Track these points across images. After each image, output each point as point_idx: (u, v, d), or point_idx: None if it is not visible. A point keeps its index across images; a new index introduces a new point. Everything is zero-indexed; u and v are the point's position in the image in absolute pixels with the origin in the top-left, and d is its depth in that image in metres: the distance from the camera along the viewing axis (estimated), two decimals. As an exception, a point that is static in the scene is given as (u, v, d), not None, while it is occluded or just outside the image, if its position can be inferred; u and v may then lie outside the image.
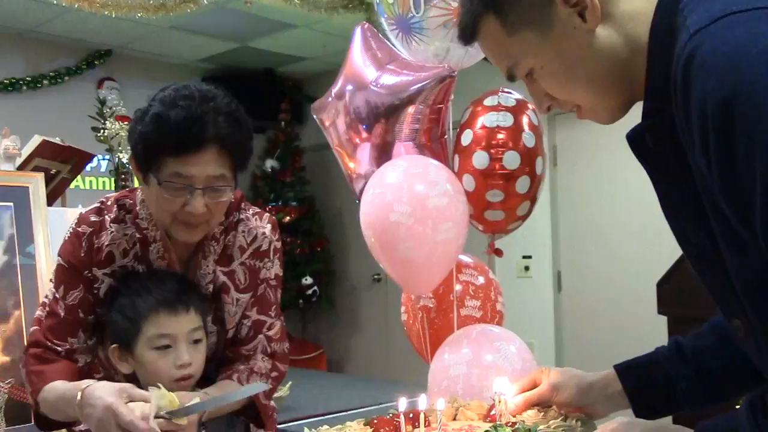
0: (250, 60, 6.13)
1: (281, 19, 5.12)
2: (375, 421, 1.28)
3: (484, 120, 2.33)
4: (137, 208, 1.52)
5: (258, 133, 6.65)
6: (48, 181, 2.87)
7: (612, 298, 4.80)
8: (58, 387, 1.42)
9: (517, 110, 2.36)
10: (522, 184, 2.35)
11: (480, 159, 2.30)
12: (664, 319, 3.47)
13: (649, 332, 4.25)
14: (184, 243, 1.51)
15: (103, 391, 1.29)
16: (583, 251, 5.02)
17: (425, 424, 1.22)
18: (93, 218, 1.52)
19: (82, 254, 1.49)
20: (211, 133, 1.36)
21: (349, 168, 2.45)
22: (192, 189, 1.38)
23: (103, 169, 5.39)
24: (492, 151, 2.31)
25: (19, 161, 2.84)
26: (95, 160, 4.43)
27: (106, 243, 1.50)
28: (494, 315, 2.41)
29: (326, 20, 4.98)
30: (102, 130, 3.28)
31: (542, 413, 1.27)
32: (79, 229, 1.51)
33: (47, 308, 1.51)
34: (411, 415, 1.24)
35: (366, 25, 2.52)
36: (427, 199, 2.09)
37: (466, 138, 2.34)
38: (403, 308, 2.47)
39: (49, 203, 2.85)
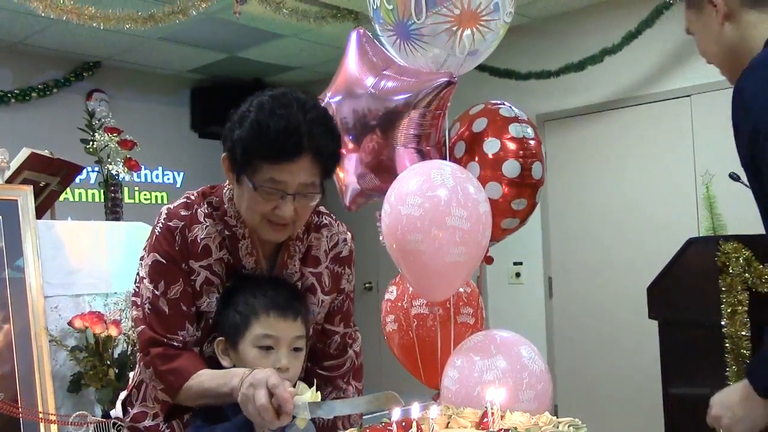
0: (239, 70, 6.13)
1: (270, 29, 5.13)
2: (367, 429, 1.28)
3: (511, 130, 2.34)
4: (225, 206, 1.56)
5: (248, 143, 6.65)
6: (37, 193, 2.86)
7: (603, 303, 4.81)
8: (208, 374, 1.46)
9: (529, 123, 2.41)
10: (539, 194, 2.38)
11: (511, 168, 2.30)
12: (654, 323, 3.48)
13: (640, 336, 4.26)
14: (269, 241, 1.57)
15: (268, 370, 1.38)
16: (574, 257, 5.03)
17: (418, 432, 1.22)
18: (183, 212, 1.55)
19: (177, 248, 1.52)
20: (308, 144, 1.42)
21: (339, 178, 2.44)
22: (284, 194, 1.44)
23: (92, 181, 5.37)
24: (522, 160, 2.31)
25: (7, 174, 2.82)
26: (84, 172, 4.39)
27: (201, 236, 1.53)
28: (482, 321, 2.42)
29: (315, 30, 4.99)
30: (91, 142, 3.27)
31: (534, 419, 1.27)
32: (171, 224, 1.53)
33: (147, 306, 1.52)
34: (404, 424, 1.24)
35: (362, 31, 2.48)
36: (479, 204, 2.08)
37: (491, 147, 2.33)
38: (392, 317, 2.43)
39: (39, 216, 2.84)
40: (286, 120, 1.41)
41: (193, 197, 1.59)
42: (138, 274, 1.57)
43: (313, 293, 1.63)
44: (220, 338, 1.52)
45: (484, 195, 2.13)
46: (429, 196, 2.05)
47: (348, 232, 1.72)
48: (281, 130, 1.40)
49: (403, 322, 2.39)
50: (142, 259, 1.57)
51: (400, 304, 2.42)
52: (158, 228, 1.54)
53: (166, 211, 1.56)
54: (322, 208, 1.68)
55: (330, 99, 2.40)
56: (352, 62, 2.44)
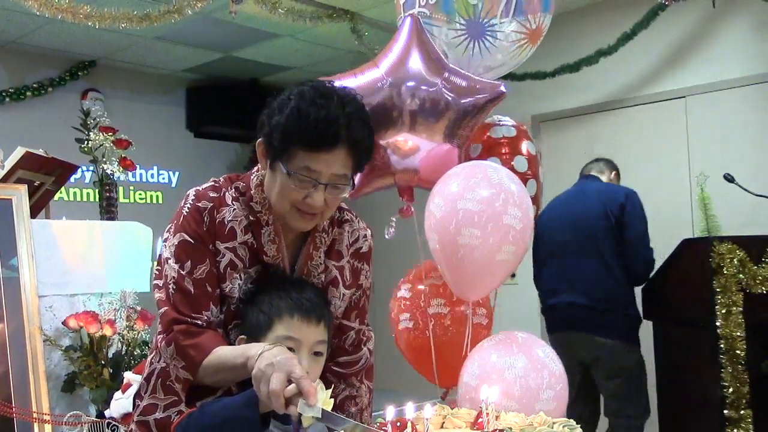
0: (235, 70, 6.13)
1: (265, 28, 5.13)
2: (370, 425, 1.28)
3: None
4: (251, 191, 1.57)
5: (243, 143, 6.64)
6: (32, 193, 2.85)
7: (598, 304, 4.81)
8: (227, 348, 1.46)
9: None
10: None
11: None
12: (649, 323, 3.49)
13: (636, 337, 4.26)
14: (292, 230, 1.58)
15: (293, 357, 1.34)
16: (569, 257, 5.03)
17: (413, 432, 1.22)
18: (212, 194, 1.56)
19: (205, 228, 1.52)
20: (345, 135, 1.45)
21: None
22: (316, 183, 1.47)
23: (87, 181, 5.36)
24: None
25: (2, 173, 2.81)
26: (79, 171, 4.38)
27: (228, 218, 1.54)
28: (491, 322, 2.44)
29: (310, 30, 4.99)
30: (86, 142, 3.26)
31: (528, 419, 1.27)
32: (200, 205, 1.54)
33: (172, 286, 1.51)
34: (398, 424, 1.24)
35: (414, 19, 2.35)
36: (529, 206, 2.13)
37: None
38: (407, 315, 2.43)
39: (33, 215, 2.83)
40: (326, 110, 1.43)
41: (221, 181, 1.60)
42: (161, 256, 1.56)
43: (336, 286, 1.64)
44: (242, 337, 1.52)
45: (529, 197, 2.18)
46: (489, 193, 2.07)
47: (368, 229, 1.74)
48: (321, 120, 1.43)
49: (419, 321, 2.40)
50: (166, 241, 1.55)
51: (417, 302, 2.43)
52: (186, 208, 1.54)
53: (194, 193, 1.56)
54: (343, 204, 1.69)
55: (386, 83, 2.27)
56: (416, 52, 2.32)
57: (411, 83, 2.26)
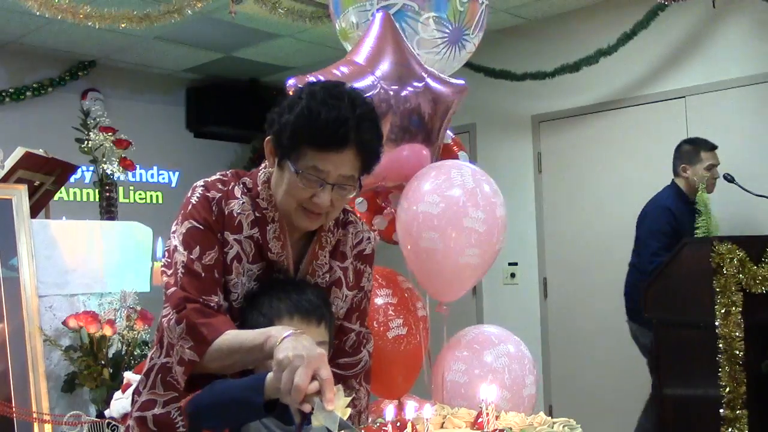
0: (235, 70, 6.12)
1: (265, 28, 5.13)
2: (362, 430, 1.28)
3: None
4: (258, 188, 1.58)
5: (243, 143, 6.63)
6: (31, 193, 2.85)
7: (598, 304, 4.81)
8: (243, 330, 1.45)
9: None
10: None
11: None
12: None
13: (635, 337, 4.27)
14: (297, 228, 1.58)
15: (324, 356, 1.30)
16: (569, 258, 5.03)
17: (412, 432, 1.22)
18: (220, 186, 1.56)
19: (214, 217, 1.53)
20: (354, 137, 1.45)
21: None
22: (323, 183, 1.47)
23: (87, 181, 5.35)
24: None
25: (1, 173, 2.81)
26: (79, 171, 4.39)
27: (237, 210, 1.55)
28: (417, 327, 2.45)
29: (311, 30, 4.99)
30: (86, 141, 3.26)
31: (528, 419, 1.27)
32: (209, 194, 1.54)
33: (181, 270, 1.49)
34: (398, 424, 1.24)
35: (386, 13, 2.34)
36: (496, 207, 2.12)
37: None
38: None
39: (33, 215, 2.83)
40: (337, 111, 1.44)
41: (228, 175, 1.61)
42: (168, 248, 1.56)
43: (339, 287, 1.65)
44: None
45: (502, 199, 2.15)
46: (447, 195, 2.07)
47: (371, 231, 1.75)
48: (331, 120, 1.43)
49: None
50: (174, 232, 1.55)
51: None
52: (195, 198, 1.54)
53: (203, 183, 1.57)
54: (347, 206, 1.70)
55: (380, 84, 2.23)
56: (398, 51, 2.28)
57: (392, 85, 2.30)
